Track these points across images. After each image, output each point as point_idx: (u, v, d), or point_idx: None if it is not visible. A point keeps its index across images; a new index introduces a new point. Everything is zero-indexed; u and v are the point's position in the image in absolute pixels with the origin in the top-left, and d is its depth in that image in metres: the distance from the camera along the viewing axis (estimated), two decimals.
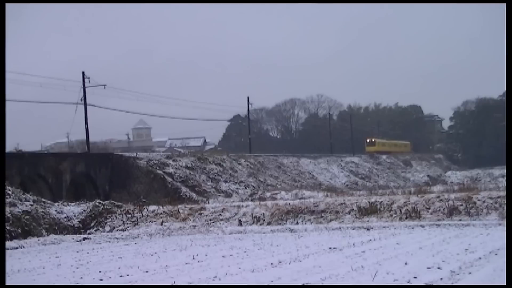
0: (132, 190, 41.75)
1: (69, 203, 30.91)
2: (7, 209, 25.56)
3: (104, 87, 50.64)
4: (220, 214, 27.74)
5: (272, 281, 11.16)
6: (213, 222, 26.90)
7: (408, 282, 10.48)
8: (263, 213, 26.85)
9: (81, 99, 48.63)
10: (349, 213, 25.84)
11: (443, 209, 24.31)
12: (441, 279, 10.68)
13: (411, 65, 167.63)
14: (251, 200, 35.96)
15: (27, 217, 26.06)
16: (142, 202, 32.73)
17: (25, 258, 18.09)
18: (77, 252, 19.29)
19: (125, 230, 27.07)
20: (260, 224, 25.98)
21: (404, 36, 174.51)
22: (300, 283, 10.78)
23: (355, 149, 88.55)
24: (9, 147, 46.24)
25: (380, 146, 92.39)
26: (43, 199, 30.00)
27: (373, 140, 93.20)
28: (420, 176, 79.59)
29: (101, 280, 12.55)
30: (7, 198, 26.87)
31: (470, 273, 11.25)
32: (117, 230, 27.37)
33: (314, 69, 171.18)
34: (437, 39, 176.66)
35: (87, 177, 41.85)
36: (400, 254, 14.15)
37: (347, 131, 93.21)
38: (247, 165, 55.17)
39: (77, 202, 31.37)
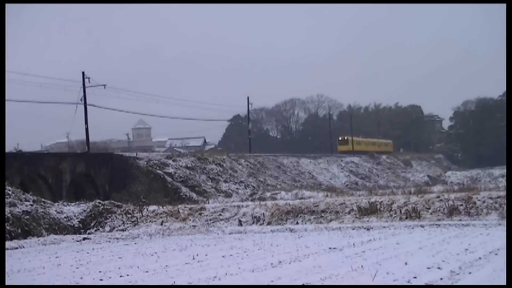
0: (132, 190, 41.69)
1: (69, 203, 30.90)
2: (7, 209, 25.55)
3: (104, 87, 50.57)
4: (220, 214, 27.74)
5: (272, 281, 11.16)
6: (213, 222, 26.90)
7: (408, 282, 10.49)
8: (263, 213, 26.85)
9: (81, 99, 48.56)
10: (349, 213, 25.84)
11: (443, 209, 24.32)
12: (441, 279, 10.68)
13: (411, 65, 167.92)
14: (251, 200, 35.97)
15: (27, 217, 26.06)
16: (142, 202, 32.71)
17: (25, 258, 18.09)
18: (77, 252, 19.29)
19: (125, 230, 27.06)
20: (260, 224, 25.98)
21: (404, 36, 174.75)
22: (300, 283, 10.78)
23: None
24: (9, 147, 46.39)
25: (355, 144, 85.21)
26: (43, 199, 29.99)
27: (345, 138, 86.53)
28: (420, 176, 79.52)
29: (101, 280, 12.55)
30: (7, 198, 26.86)
31: (470, 273, 11.25)
32: (117, 230, 27.36)
33: (314, 69, 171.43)
34: (437, 39, 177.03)
35: (87, 177, 41.81)
36: (400, 254, 14.16)
37: (347, 131, 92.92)
38: (247, 165, 55.15)
39: (77, 202, 31.37)
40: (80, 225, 28.35)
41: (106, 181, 42.91)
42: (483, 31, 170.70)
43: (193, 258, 15.32)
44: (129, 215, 29.01)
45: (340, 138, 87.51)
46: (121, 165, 44.39)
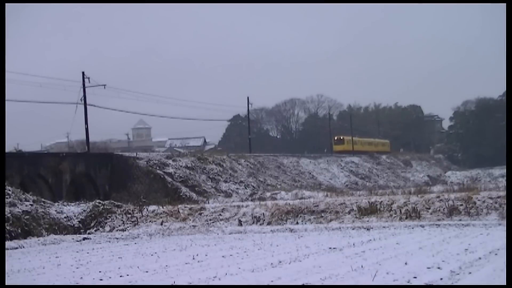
0: (132, 190, 41.68)
1: (69, 203, 30.91)
2: (7, 209, 25.56)
3: (104, 87, 50.61)
4: (220, 214, 27.75)
5: (272, 281, 11.16)
6: (213, 222, 26.90)
7: (408, 282, 10.49)
8: (263, 213, 26.86)
9: (81, 99, 48.58)
10: (349, 213, 25.84)
11: (443, 209, 24.32)
12: (441, 279, 10.68)
13: (411, 65, 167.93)
14: (251, 200, 35.96)
15: (27, 217, 26.07)
16: (142, 202, 32.70)
17: (25, 258, 18.10)
18: (77, 252, 19.30)
19: (125, 230, 27.07)
20: (260, 224, 25.99)
21: (404, 36, 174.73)
22: (300, 283, 10.78)
23: None
24: (9, 147, 46.35)
25: (351, 144, 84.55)
26: (43, 199, 29.99)
27: (341, 137, 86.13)
28: (420, 176, 79.52)
29: (101, 280, 12.56)
30: (7, 198, 26.86)
31: (470, 273, 11.25)
32: (117, 230, 27.38)
33: (314, 69, 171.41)
34: (437, 39, 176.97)
35: (87, 177, 41.80)
36: (400, 254, 14.16)
37: (347, 131, 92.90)
38: (247, 165, 55.14)
39: (77, 202, 31.38)
40: (80, 225, 28.36)
41: (106, 181, 42.90)
42: (483, 31, 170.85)
43: (193, 258, 15.32)
44: (129, 215, 29.01)
45: (336, 138, 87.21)
46: (121, 165, 44.37)
